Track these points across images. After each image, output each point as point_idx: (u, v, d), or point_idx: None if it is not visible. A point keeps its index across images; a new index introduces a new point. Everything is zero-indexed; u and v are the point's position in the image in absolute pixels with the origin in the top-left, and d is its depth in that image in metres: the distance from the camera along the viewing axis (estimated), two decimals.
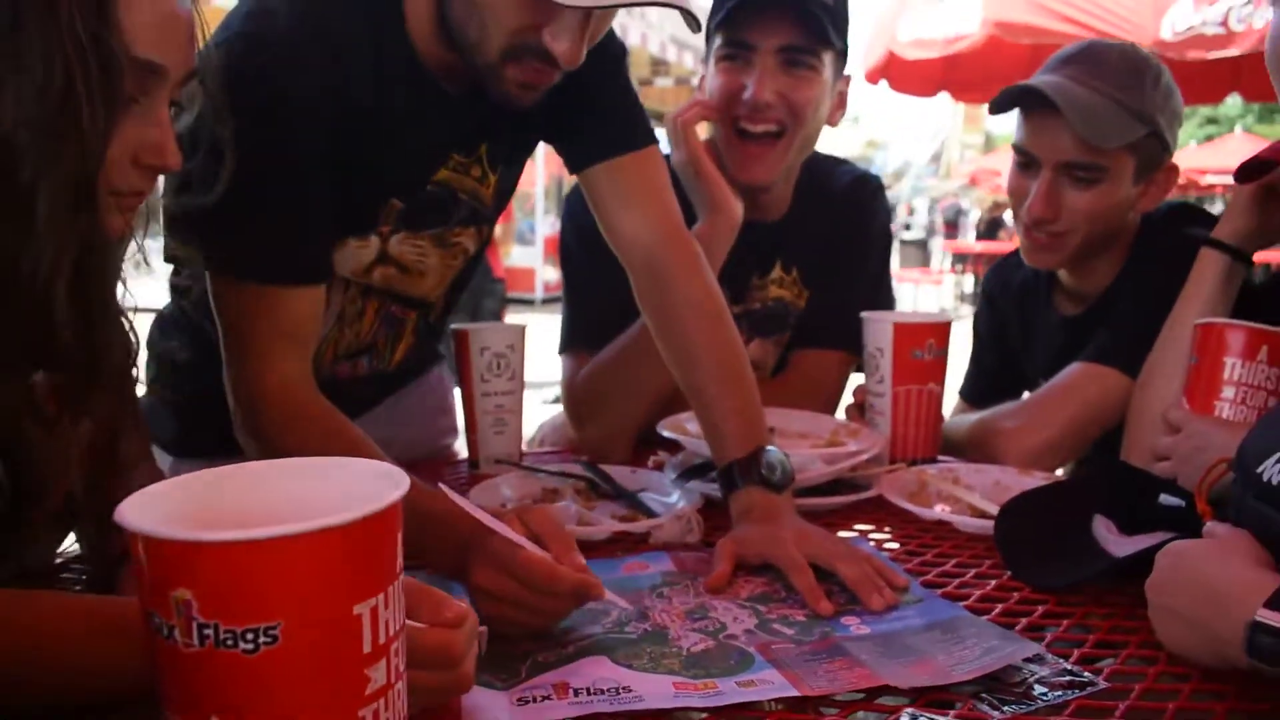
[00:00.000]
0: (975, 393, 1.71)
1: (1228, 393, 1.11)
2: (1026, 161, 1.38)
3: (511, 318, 6.22)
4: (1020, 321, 1.62)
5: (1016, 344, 1.64)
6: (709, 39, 1.46)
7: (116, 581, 0.86)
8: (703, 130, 1.45)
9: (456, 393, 1.49)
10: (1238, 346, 1.11)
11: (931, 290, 12.45)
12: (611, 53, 1.22)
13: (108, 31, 0.72)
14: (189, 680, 0.43)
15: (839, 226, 1.54)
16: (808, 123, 1.42)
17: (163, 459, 1.22)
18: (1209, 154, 13.16)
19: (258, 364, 1.02)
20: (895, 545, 1.11)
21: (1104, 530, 1.06)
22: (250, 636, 0.42)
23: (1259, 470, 0.81)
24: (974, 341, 1.75)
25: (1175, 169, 1.41)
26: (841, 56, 1.44)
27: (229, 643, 0.42)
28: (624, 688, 0.73)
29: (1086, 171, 1.33)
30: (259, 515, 0.47)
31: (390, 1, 1.05)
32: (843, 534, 1.13)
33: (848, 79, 1.48)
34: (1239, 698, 0.74)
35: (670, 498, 1.19)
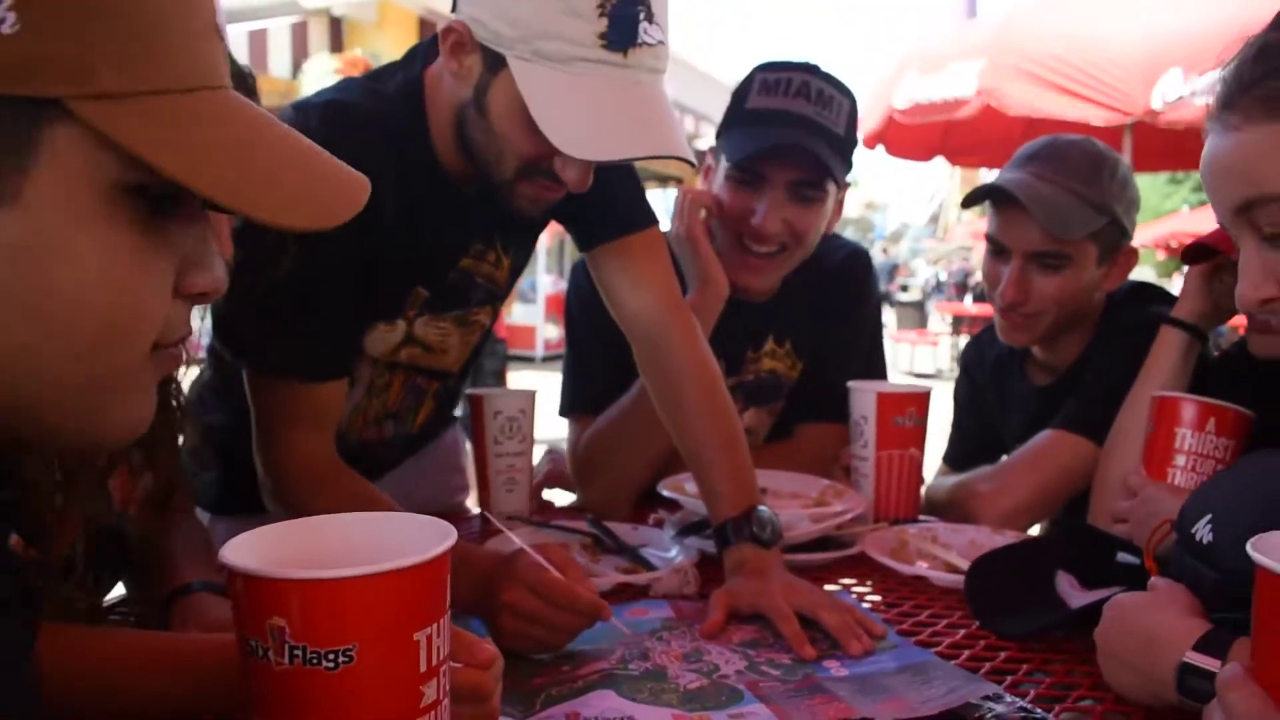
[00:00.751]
0: (956, 457, 1.81)
1: (1179, 460, 1.22)
2: (998, 250, 1.50)
3: (513, 375, 6.33)
4: (996, 392, 1.73)
5: (993, 412, 1.74)
6: (719, 140, 1.57)
7: (168, 619, 0.95)
8: None
9: (468, 450, 1.60)
10: (1189, 418, 1.21)
11: (928, 351, 12.58)
12: None
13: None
14: (280, 695, 0.53)
15: (832, 304, 1.65)
16: (809, 243, 1.54)
17: (202, 516, 1.33)
18: (1201, 219, 13.39)
19: (287, 443, 1.14)
20: (876, 597, 1.21)
21: (1066, 585, 1.15)
22: (331, 656, 0.52)
23: (1192, 531, 0.91)
24: (954, 409, 1.85)
25: (1134, 252, 1.53)
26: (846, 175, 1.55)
27: (314, 661, 0.52)
28: (628, 717, 0.82)
29: (1053, 259, 1.45)
30: (333, 558, 0.57)
31: (416, 117, 1.17)
32: (828, 587, 1.23)
33: (848, 186, 1.59)
34: None
35: (669, 553, 1.29)
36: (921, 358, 12.46)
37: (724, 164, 1.53)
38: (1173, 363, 1.33)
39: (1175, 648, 0.81)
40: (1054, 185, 1.45)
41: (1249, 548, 0.57)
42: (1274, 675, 0.59)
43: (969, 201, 1.53)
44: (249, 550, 0.57)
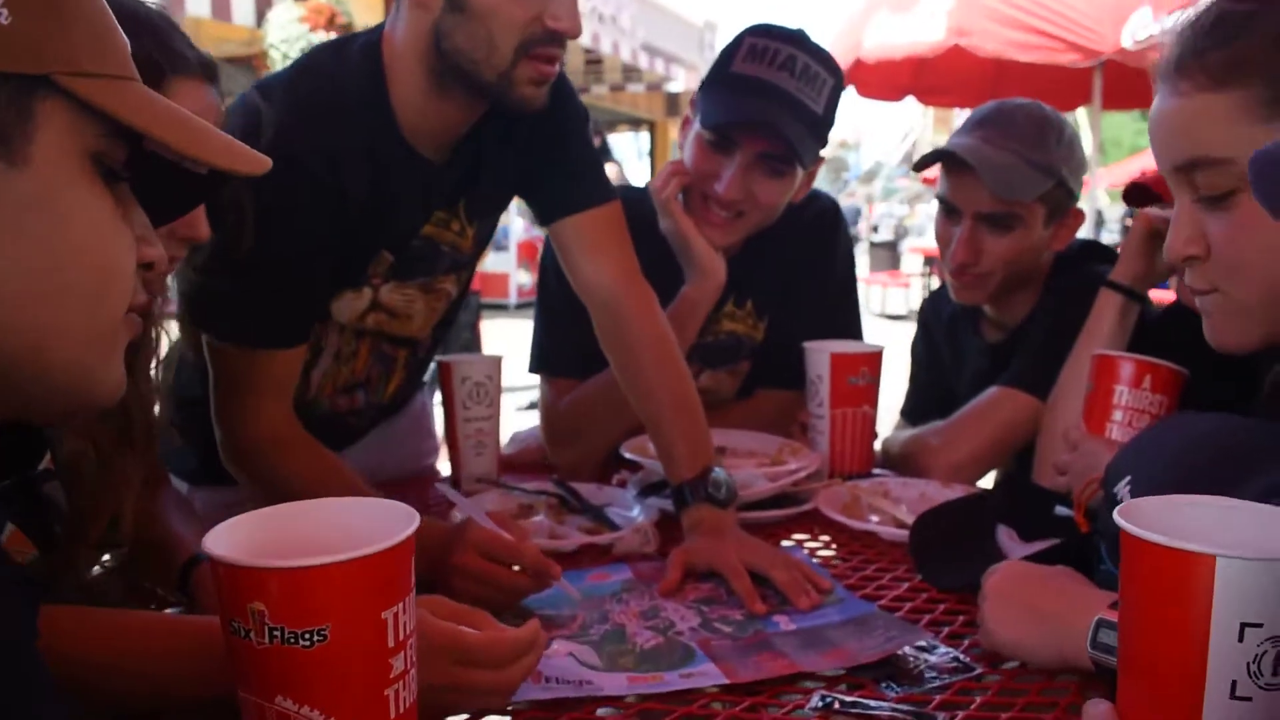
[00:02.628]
0: (913, 411, 1.88)
1: (1117, 415, 1.28)
2: (949, 210, 1.55)
3: (487, 324, 6.34)
4: (951, 347, 1.79)
5: (948, 367, 1.80)
6: (699, 96, 1.58)
7: (189, 591, 1.01)
8: None
9: (438, 415, 1.65)
10: (1126, 375, 1.28)
11: (900, 293, 12.67)
12: (578, 116, 1.38)
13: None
14: (261, 670, 0.58)
15: (799, 262, 1.67)
16: (771, 213, 1.57)
17: (179, 485, 1.37)
18: None
19: (248, 410, 1.20)
20: (827, 553, 1.28)
21: (1005, 539, 1.22)
22: (307, 636, 0.57)
23: (1114, 490, 0.97)
24: (911, 364, 1.91)
25: (1080, 213, 1.59)
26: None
27: (291, 641, 0.57)
28: (585, 681, 0.89)
29: (1002, 220, 1.50)
30: (307, 544, 0.62)
31: (377, 82, 1.21)
32: (783, 544, 1.30)
33: (821, 160, 1.62)
34: (1089, 680, 0.90)
35: (631, 512, 1.35)
36: (893, 299, 12.56)
37: (698, 127, 1.55)
38: (1111, 324, 1.39)
39: (1086, 610, 0.87)
40: (1002, 150, 1.49)
41: (1115, 514, 0.62)
42: (1137, 654, 0.62)
43: (920, 165, 1.58)
44: (229, 538, 0.62)
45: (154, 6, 0.95)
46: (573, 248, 1.35)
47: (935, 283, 13.24)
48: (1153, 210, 1.37)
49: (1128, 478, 0.96)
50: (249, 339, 1.18)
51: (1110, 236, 14.21)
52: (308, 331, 1.25)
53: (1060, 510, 1.24)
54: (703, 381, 1.70)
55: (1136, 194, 1.38)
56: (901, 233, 17.55)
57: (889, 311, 12.17)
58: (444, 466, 1.67)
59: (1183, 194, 0.95)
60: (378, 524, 0.63)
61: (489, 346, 5.79)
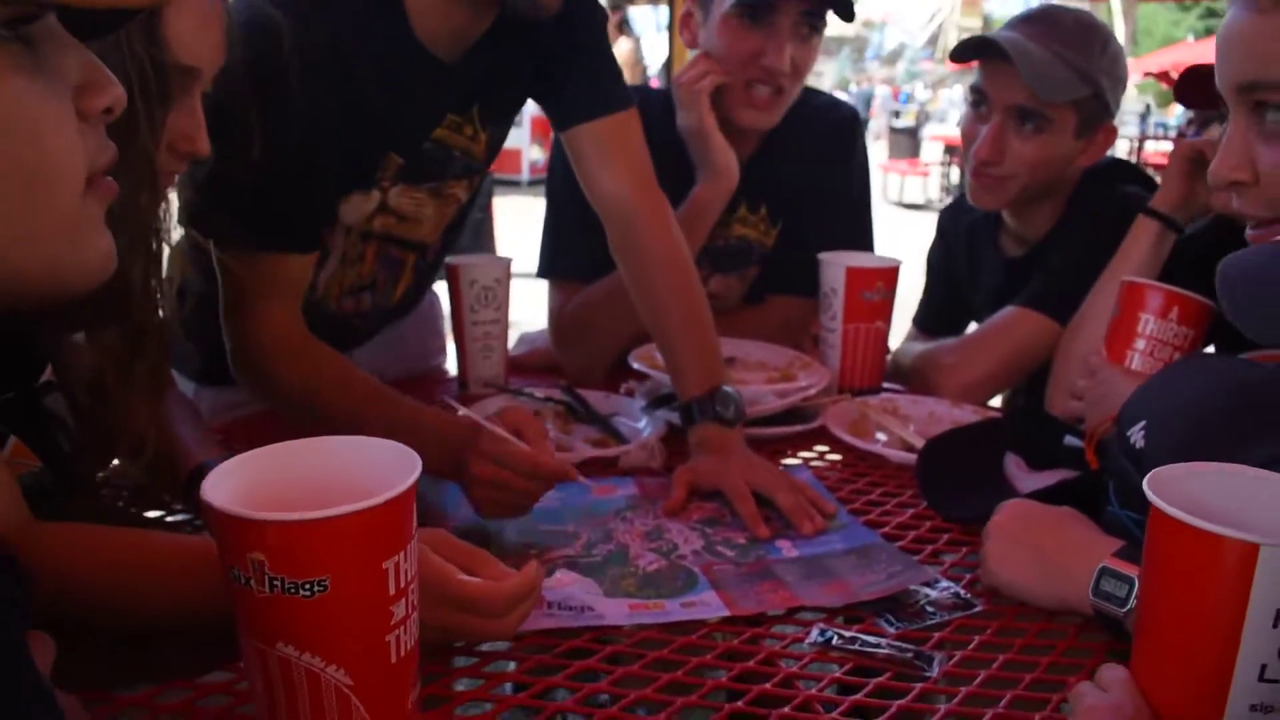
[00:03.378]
0: (927, 321, 1.86)
1: (1139, 345, 1.25)
2: (978, 100, 1.50)
3: (499, 200, 6.26)
4: (968, 259, 1.75)
5: (964, 279, 1.77)
6: None
7: (194, 500, 1.01)
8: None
9: (445, 313, 1.63)
10: (1153, 305, 1.25)
11: (918, 182, 12.45)
12: (596, 17, 1.32)
13: (158, 49, 0.84)
14: (262, 617, 0.58)
15: (814, 167, 1.63)
16: (804, 79, 1.54)
17: (185, 385, 1.37)
18: (1206, 49, 13.02)
19: (259, 315, 1.17)
20: (833, 473, 1.27)
21: (1014, 467, 1.22)
22: (307, 586, 0.56)
23: (1128, 433, 0.96)
24: (927, 273, 1.88)
25: (1113, 130, 1.53)
26: None
27: (291, 591, 0.56)
28: (587, 607, 0.89)
29: (1032, 120, 1.45)
30: (310, 488, 0.61)
31: None
32: (788, 461, 1.29)
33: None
34: (1088, 624, 0.90)
35: (639, 423, 1.34)
36: (911, 188, 12.35)
37: (722, 5, 1.49)
38: (1145, 252, 1.35)
39: (1090, 556, 0.86)
40: (1044, 47, 1.44)
41: (1145, 487, 0.61)
42: (1161, 628, 0.62)
43: (957, 54, 1.52)
44: (229, 482, 0.61)
45: None
46: (588, 155, 1.31)
47: (955, 173, 13.07)
48: (1195, 138, 1.32)
49: (1142, 423, 0.94)
50: (256, 242, 1.15)
51: (1128, 130, 13.88)
52: (317, 237, 1.21)
53: (1070, 440, 1.23)
54: (711, 286, 1.68)
55: (1190, 89, 1.30)
56: (923, 118, 17.16)
57: (906, 200, 11.99)
58: (452, 367, 1.66)
59: (1238, 116, 0.90)
60: (380, 468, 0.62)
61: (501, 224, 5.72)
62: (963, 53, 1.53)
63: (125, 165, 0.84)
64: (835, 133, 1.66)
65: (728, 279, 1.69)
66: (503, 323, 1.51)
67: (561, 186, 1.60)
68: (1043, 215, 1.57)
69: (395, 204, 1.29)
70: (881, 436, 1.37)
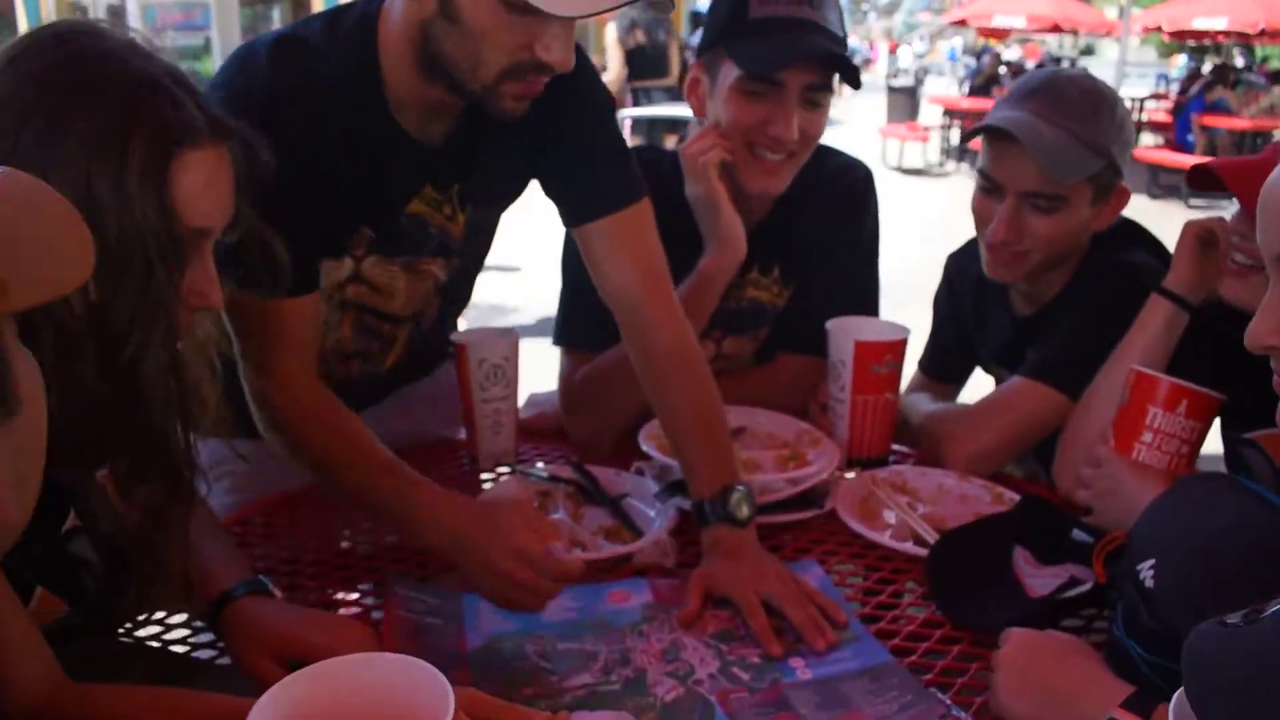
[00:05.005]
0: (933, 366, 1.86)
1: (1146, 438, 1.26)
2: (991, 187, 1.49)
3: None
4: (976, 310, 1.75)
5: (970, 328, 1.77)
6: (711, 52, 1.51)
7: (219, 630, 1.04)
8: None
9: None
10: (1161, 397, 1.25)
11: (917, 147, 12.35)
12: (599, 103, 1.31)
13: (170, 218, 0.85)
14: None
15: (826, 231, 1.63)
16: (814, 146, 1.53)
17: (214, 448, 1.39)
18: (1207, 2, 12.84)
19: (270, 372, 1.18)
20: (843, 567, 1.29)
21: (1023, 562, 1.23)
22: None
23: (1138, 569, 0.97)
24: (934, 318, 1.88)
25: (1125, 191, 1.52)
26: None
27: None
28: None
29: (1048, 200, 1.44)
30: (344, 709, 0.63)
31: (369, 54, 1.16)
32: (802, 563, 1.29)
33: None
34: None
35: (651, 511, 1.35)
36: (910, 153, 12.26)
37: (729, 76, 1.49)
38: (1157, 332, 1.35)
39: (1098, 703, 0.87)
40: (1053, 125, 1.42)
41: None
42: None
43: (966, 137, 1.51)
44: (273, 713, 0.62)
45: (166, 65, 0.89)
46: (598, 251, 1.31)
47: (955, 136, 12.89)
48: (1202, 217, 1.32)
49: (1152, 560, 0.95)
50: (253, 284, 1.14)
51: (1134, 88, 13.73)
52: (311, 278, 1.21)
53: (1078, 535, 1.24)
54: (724, 347, 1.69)
55: (1199, 177, 1.31)
56: (920, 75, 16.98)
57: (906, 165, 11.91)
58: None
59: (1279, 280, 0.90)
60: (416, 697, 0.63)
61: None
62: (971, 136, 1.52)
63: (145, 329, 0.85)
64: (848, 197, 1.65)
65: (740, 340, 1.69)
66: (512, 399, 1.51)
67: (574, 256, 1.60)
68: (1054, 277, 1.56)
69: (368, 274, 1.30)
70: (890, 517, 1.38)
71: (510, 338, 1.50)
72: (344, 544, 1.36)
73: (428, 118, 1.21)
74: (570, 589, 1.14)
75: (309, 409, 1.20)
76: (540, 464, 1.50)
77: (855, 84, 1.49)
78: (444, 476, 1.47)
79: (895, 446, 1.58)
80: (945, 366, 1.86)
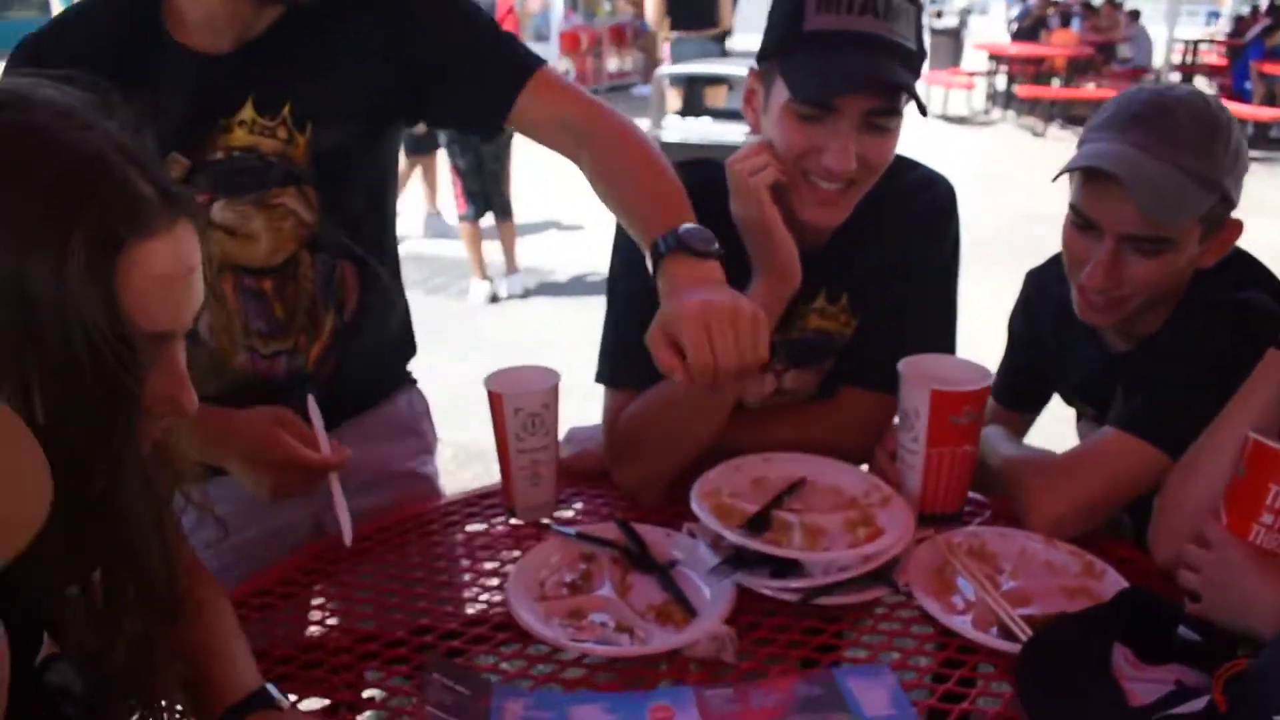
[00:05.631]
0: (1006, 393, 1.72)
1: (1267, 519, 1.12)
2: (1085, 225, 1.33)
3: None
4: (1056, 337, 1.59)
5: (1051, 356, 1.62)
6: (767, 63, 1.36)
7: None
8: None
9: (437, 415, 1.62)
10: None
11: (962, 95, 11.95)
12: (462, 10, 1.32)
13: (122, 323, 0.72)
14: None
15: (901, 252, 1.47)
16: (881, 171, 1.37)
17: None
18: None
19: None
20: (919, 655, 1.16)
21: (1123, 661, 1.10)
22: None
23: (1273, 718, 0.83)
24: (1008, 342, 1.73)
25: (1238, 225, 1.35)
26: None
27: None
28: None
29: (1152, 244, 1.28)
30: None
31: None
32: (873, 650, 1.17)
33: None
34: None
35: (705, 588, 1.23)
36: (955, 101, 11.87)
37: (781, 95, 1.33)
38: (1273, 392, 1.20)
39: None
40: (1162, 162, 1.26)
41: None
42: None
43: (1059, 175, 1.34)
44: None
45: (110, 133, 0.75)
46: (531, 129, 1.32)
47: (1001, 82, 12.49)
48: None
49: None
50: None
51: (1184, 29, 13.14)
52: None
53: (1185, 633, 1.11)
54: (786, 381, 1.55)
55: None
56: (965, 16, 16.43)
57: (950, 113, 11.54)
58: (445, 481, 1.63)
59: None
60: None
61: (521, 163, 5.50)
62: (1065, 172, 1.35)
63: (109, 454, 0.74)
64: (928, 218, 1.49)
65: (803, 374, 1.55)
66: (552, 448, 1.39)
67: (622, 290, 1.46)
68: (1153, 315, 1.41)
69: (219, 219, 1.25)
70: (967, 590, 1.25)
71: (549, 381, 1.37)
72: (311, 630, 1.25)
73: (213, 27, 1.19)
74: (611, 699, 1.04)
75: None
76: (577, 528, 1.37)
77: (922, 111, 1.34)
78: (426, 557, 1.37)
79: (973, 495, 1.45)
80: (1020, 394, 1.71)
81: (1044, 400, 1.73)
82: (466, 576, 1.35)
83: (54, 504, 0.70)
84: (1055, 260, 1.53)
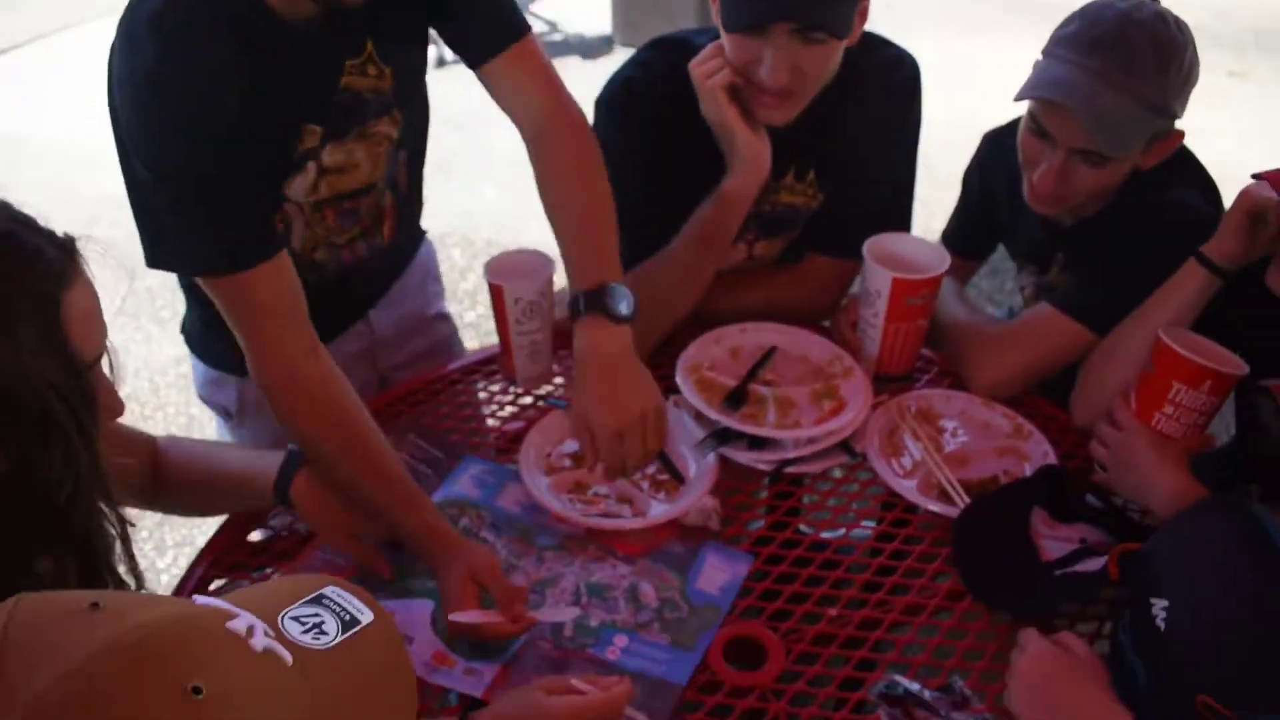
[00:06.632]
0: (957, 242, 1.85)
1: (1168, 409, 1.31)
2: (1040, 132, 1.43)
3: None
4: (1010, 202, 1.72)
5: (1002, 216, 1.75)
6: None
7: None
8: None
9: (445, 267, 1.77)
10: (1187, 375, 1.29)
11: None
12: None
13: (75, 368, 0.83)
14: None
15: (868, 128, 1.57)
16: (823, 79, 1.44)
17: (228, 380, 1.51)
18: None
19: (259, 353, 1.21)
20: (871, 516, 1.38)
21: (1040, 524, 1.34)
22: None
23: (1151, 602, 1.06)
24: (963, 194, 1.84)
25: (1180, 134, 1.46)
26: None
27: None
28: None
29: (1100, 158, 1.40)
30: None
31: None
32: (831, 513, 1.38)
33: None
34: None
35: (690, 458, 1.42)
36: None
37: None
38: (1190, 297, 1.36)
39: None
40: (1117, 91, 1.35)
41: None
42: None
43: (1019, 96, 1.42)
44: None
45: (7, 210, 0.84)
46: (497, 89, 1.37)
47: None
48: (1257, 188, 1.29)
49: (1165, 603, 1.05)
50: (212, 263, 1.17)
51: None
52: (271, 240, 1.20)
53: (1090, 499, 1.34)
54: (756, 250, 1.68)
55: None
56: None
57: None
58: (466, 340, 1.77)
59: None
60: None
61: None
62: (1024, 95, 1.43)
63: (74, 479, 0.83)
64: (893, 97, 1.57)
65: (772, 243, 1.68)
66: (548, 328, 1.52)
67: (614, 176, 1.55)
68: (1094, 202, 1.54)
69: (329, 163, 1.32)
70: (914, 451, 1.45)
71: (545, 271, 1.49)
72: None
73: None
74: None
75: (300, 385, 1.21)
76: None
77: (843, 32, 1.39)
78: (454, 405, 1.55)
79: (925, 352, 1.63)
80: (969, 243, 1.85)
81: (989, 251, 1.88)
82: None
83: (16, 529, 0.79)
84: (1009, 128, 1.63)
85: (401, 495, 1.21)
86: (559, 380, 1.58)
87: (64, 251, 0.84)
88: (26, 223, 0.83)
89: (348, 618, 0.60)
